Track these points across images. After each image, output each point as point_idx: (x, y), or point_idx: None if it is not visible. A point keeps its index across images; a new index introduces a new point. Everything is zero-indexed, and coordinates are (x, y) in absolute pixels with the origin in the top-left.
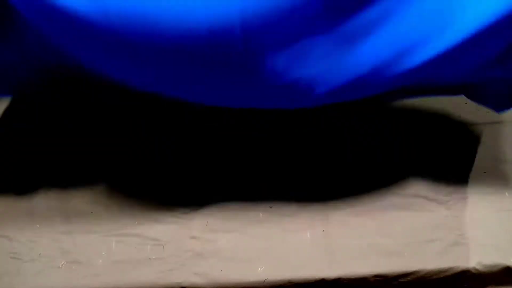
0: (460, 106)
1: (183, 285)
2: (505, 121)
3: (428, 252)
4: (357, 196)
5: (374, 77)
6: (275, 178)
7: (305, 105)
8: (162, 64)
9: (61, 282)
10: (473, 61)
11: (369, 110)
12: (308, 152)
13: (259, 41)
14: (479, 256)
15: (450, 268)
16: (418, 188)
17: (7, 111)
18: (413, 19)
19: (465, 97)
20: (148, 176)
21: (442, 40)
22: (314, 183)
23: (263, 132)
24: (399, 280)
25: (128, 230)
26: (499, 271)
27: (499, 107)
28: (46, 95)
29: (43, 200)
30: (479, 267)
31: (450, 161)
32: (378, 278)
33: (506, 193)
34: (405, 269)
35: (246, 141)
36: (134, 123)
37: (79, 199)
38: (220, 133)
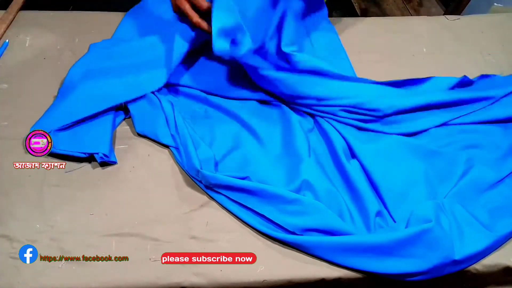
0: None
1: (183, 285)
2: None
3: None
4: None
5: None
6: None
7: None
8: None
9: (61, 282)
10: None
11: None
12: None
13: None
14: None
15: None
16: None
17: None
18: None
19: None
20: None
21: None
22: None
23: None
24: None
25: (128, 230)
26: (499, 271)
27: None
28: None
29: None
30: (479, 267)
31: None
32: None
33: None
34: None
35: None
36: None
37: None
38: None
